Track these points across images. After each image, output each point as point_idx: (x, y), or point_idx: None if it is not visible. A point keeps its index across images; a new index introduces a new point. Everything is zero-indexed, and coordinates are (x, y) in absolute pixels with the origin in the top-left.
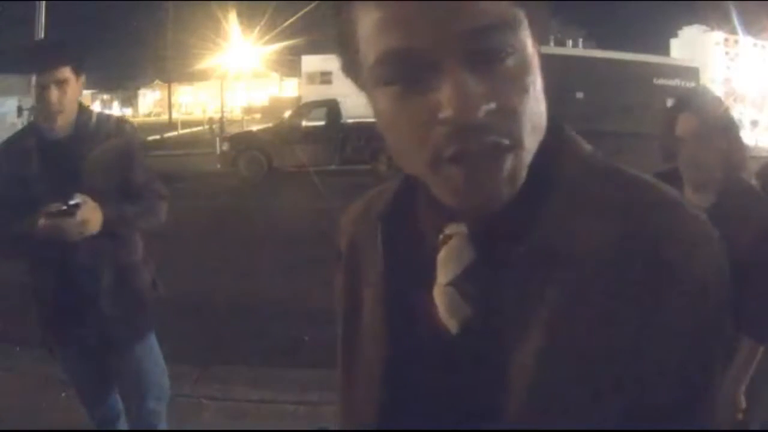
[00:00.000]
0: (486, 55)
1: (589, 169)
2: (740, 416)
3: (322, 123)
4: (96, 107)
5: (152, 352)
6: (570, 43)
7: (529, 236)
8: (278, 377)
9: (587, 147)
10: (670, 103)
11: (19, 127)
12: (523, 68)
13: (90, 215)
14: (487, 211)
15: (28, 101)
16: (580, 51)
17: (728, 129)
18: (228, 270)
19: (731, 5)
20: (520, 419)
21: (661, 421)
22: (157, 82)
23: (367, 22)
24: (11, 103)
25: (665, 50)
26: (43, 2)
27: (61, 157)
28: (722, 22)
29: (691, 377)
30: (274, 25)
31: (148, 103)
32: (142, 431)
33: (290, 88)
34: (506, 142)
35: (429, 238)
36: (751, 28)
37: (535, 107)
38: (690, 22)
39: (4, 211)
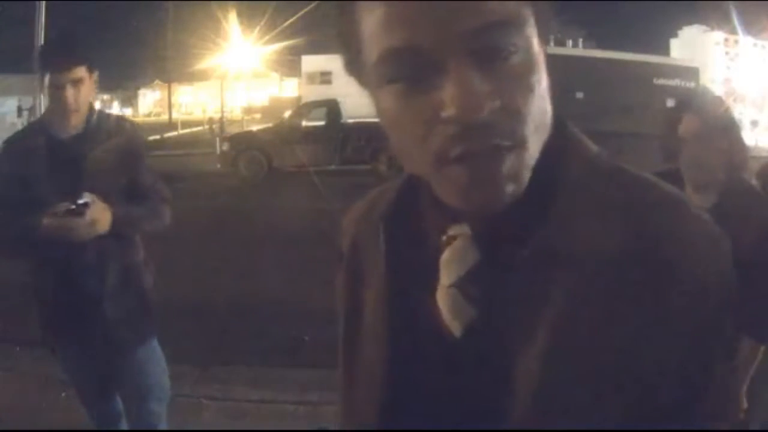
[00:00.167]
0: (491, 53)
1: (594, 170)
2: (741, 416)
3: (322, 123)
4: (96, 107)
5: (155, 354)
6: (570, 43)
7: (534, 237)
8: (278, 377)
9: (592, 147)
10: (670, 103)
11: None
12: (529, 67)
13: (99, 215)
14: (491, 212)
15: (28, 101)
16: (580, 51)
17: (730, 129)
18: (228, 270)
19: (731, 5)
20: (524, 422)
21: (664, 421)
22: (157, 82)
23: (370, 20)
24: (11, 103)
25: (665, 50)
26: (43, 2)
27: (70, 155)
28: (722, 22)
29: (696, 378)
30: (274, 25)
31: (148, 103)
32: (142, 431)
33: (290, 88)
34: (511, 141)
35: (432, 240)
36: (751, 28)
37: (540, 106)
38: (690, 22)
39: (9, 209)
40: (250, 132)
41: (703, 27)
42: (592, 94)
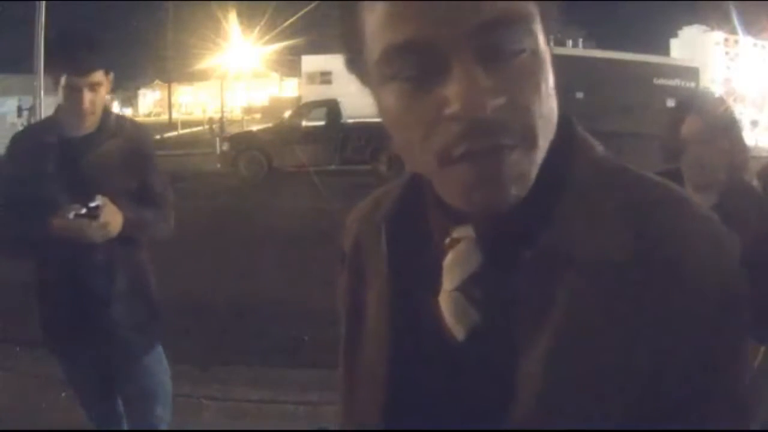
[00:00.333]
0: (496, 50)
1: (600, 170)
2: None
3: (322, 123)
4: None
5: (161, 358)
6: (570, 43)
7: (539, 239)
8: (278, 377)
9: (599, 147)
10: (670, 103)
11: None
12: (534, 65)
13: (111, 218)
14: (495, 213)
15: (28, 101)
16: (580, 51)
17: (732, 130)
18: (228, 270)
19: (731, 5)
20: (527, 424)
21: (667, 422)
22: (157, 82)
23: (372, 17)
24: (11, 103)
25: (665, 50)
26: (43, 2)
27: (82, 156)
28: (722, 22)
29: (702, 379)
30: (274, 25)
31: (148, 103)
32: (142, 431)
33: (290, 88)
34: (516, 140)
35: (435, 242)
36: (751, 28)
37: (547, 105)
38: (690, 22)
39: (17, 208)
40: (250, 132)
41: (703, 27)
42: (592, 94)
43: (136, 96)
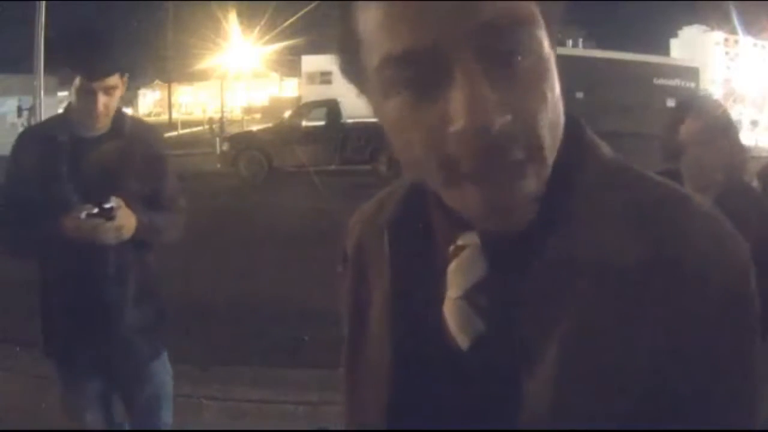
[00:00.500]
0: (501, 57)
1: (608, 175)
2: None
3: (322, 123)
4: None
5: (166, 363)
6: (570, 43)
7: (546, 246)
8: (278, 377)
9: (606, 148)
10: (670, 103)
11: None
12: (541, 70)
13: (126, 220)
14: (505, 226)
15: (28, 101)
16: (580, 51)
17: (730, 132)
18: (228, 270)
19: (731, 5)
20: None
21: (674, 423)
22: (157, 82)
23: (369, 24)
24: (11, 103)
25: (665, 50)
26: (43, 2)
27: (94, 157)
28: (722, 22)
29: (714, 378)
30: (274, 25)
31: (148, 103)
32: (142, 431)
33: (290, 88)
34: (525, 154)
35: (439, 248)
36: (751, 28)
37: (554, 112)
38: (690, 22)
39: (26, 207)
40: (250, 132)
41: (703, 27)
42: (592, 94)
43: (136, 96)
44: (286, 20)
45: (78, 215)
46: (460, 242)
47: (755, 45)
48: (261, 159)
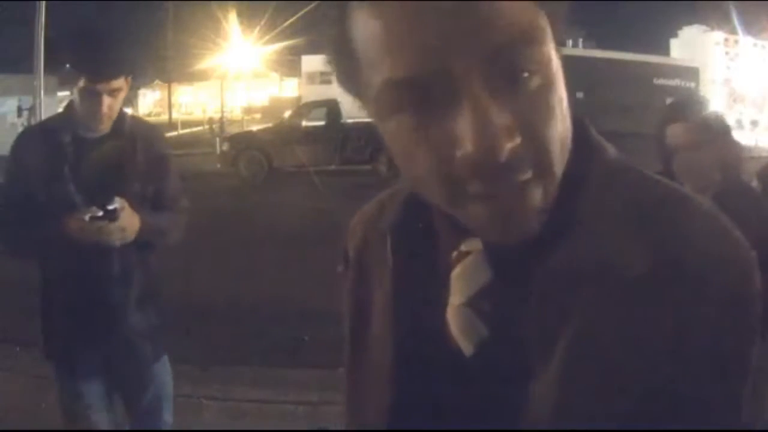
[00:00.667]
0: (509, 78)
1: (613, 177)
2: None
3: (322, 123)
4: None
5: (166, 364)
6: (570, 43)
7: (550, 252)
8: (278, 377)
9: (611, 150)
10: (669, 102)
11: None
12: (549, 86)
13: (129, 222)
14: (512, 238)
15: (28, 101)
16: (580, 51)
17: (720, 132)
18: (228, 270)
19: (731, 5)
20: None
21: (674, 423)
22: (157, 82)
23: (371, 44)
24: (11, 103)
25: (665, 50)
26: (43, 2)
27: (96, 157)
28: (722, 22)
29: (715, 379)
30: (274, 25)
31: (148, 103)
32: (141, 431)
33: (290, 88)
34: (534, 173)
35: (442, 254)
36: (751, 28)
37: (563, 125)
38: (690, 22)
39: (29, 208)
40: (250, 132)
41: (703, 27)
42: (592, 94)
43: (136, 96)
44: (286, 20)
45: (82, 217)
46: (463, 248)
47: (755, 45)
48: (261, 159)
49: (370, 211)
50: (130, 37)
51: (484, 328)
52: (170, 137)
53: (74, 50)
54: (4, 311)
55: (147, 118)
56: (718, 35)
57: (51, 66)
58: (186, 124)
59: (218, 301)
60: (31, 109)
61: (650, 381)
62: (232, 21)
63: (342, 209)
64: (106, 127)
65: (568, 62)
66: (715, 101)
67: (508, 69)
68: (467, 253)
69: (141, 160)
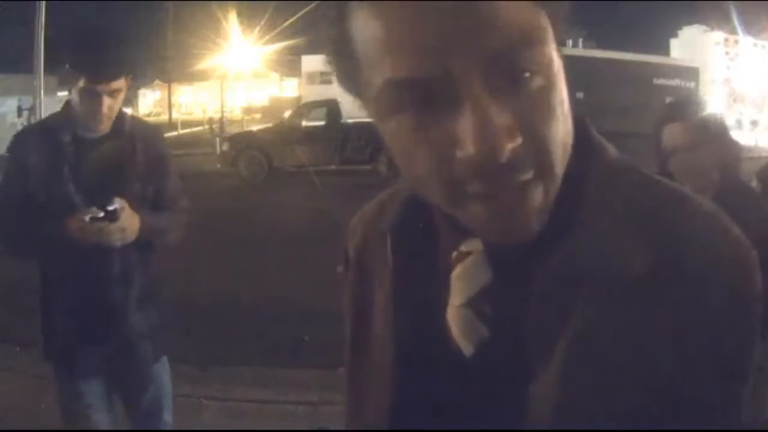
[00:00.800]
0: (510, 80)
1: (615, 179)
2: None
3: (322, 123)
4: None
5: (166, 365)
6: (570, 43)
7: (551, 252)
8: (278, 377)
9: (612, 150)
10: (667, 102)
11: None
12: (550, 87)
13: (129, 222)
14: (516, 243)
15: (28, 101)
16: (580, 51)
17: (716, 132)
18: (228, 270)
19: (731, 5)
20: None
21: (674, 423)
22: (157, 82)
23: (371, 45)
24: (11, 103)
25: (665, 50)
26: (43, 2)
27: (96, 157)
28: (722, 22)
29: (716, 379)
30: (274, 25)
31: (148, 103)
32: (141, 431)
33: (290, 88)
34: (536, 174)
35: (442, 254)
36: (751, 28)
37: (565, 125)
38: (690, 22)
39: (28, 207)
40: (250, 132)
41: (703, 27)
42: (592, 94)
43: (136, 96)
44: (286, 20)
45: (82, 218)
46: (463, 248)
47: (755, 45)
48: (261, 159)
49: (370, 211)
50: (130, 38)
51: (484, 328)
52: (170, 137)
53: (74, 50)
54: (4, 311)
55: (147, 118)
56: (718, 35)
57: (51, 66)
58: (186, 124)
59: (218, 301)
60: (31, 109)
61: (650, 381)
62: (232, 21)
63: (342, 209)
64: (105, 127)
65: (568, 62)
66: (715, 101)
67: (509, 69)
68: (467, 254)
69: (141, 160)
